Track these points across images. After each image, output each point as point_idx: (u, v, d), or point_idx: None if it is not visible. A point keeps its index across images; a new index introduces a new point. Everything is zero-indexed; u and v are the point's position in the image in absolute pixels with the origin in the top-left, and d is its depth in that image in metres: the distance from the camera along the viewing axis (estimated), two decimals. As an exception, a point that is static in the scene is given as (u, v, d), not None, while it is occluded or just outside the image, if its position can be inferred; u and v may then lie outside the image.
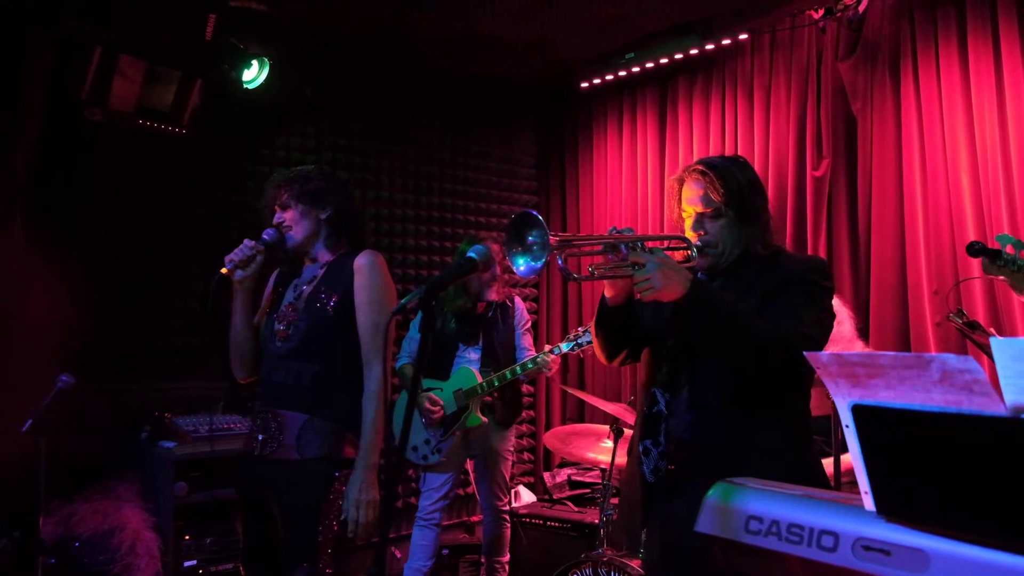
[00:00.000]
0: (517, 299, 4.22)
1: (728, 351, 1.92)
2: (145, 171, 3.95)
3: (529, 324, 4.21)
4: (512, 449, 4.19)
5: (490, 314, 4.04)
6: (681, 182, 2.11)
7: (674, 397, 2.04)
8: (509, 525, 4.15)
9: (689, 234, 2.08)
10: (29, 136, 3.39)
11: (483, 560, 4.17)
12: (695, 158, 4.67)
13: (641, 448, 2.08)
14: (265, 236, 2.54)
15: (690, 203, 2.08)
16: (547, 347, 3.88)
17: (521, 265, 1.80)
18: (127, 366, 3.86)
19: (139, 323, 3.97)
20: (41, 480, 2.76)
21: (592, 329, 2.17)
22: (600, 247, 1.93)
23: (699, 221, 2.06)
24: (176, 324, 4.10)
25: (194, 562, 3.51)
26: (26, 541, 2.89)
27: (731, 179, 2.04)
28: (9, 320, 3.32)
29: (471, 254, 1.65)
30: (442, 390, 3.93)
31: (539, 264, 1.77)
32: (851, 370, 1.30)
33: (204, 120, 3.99)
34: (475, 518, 4.80)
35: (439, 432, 3.91)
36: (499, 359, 3.99)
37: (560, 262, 1.83)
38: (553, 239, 1.74)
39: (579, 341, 3.74)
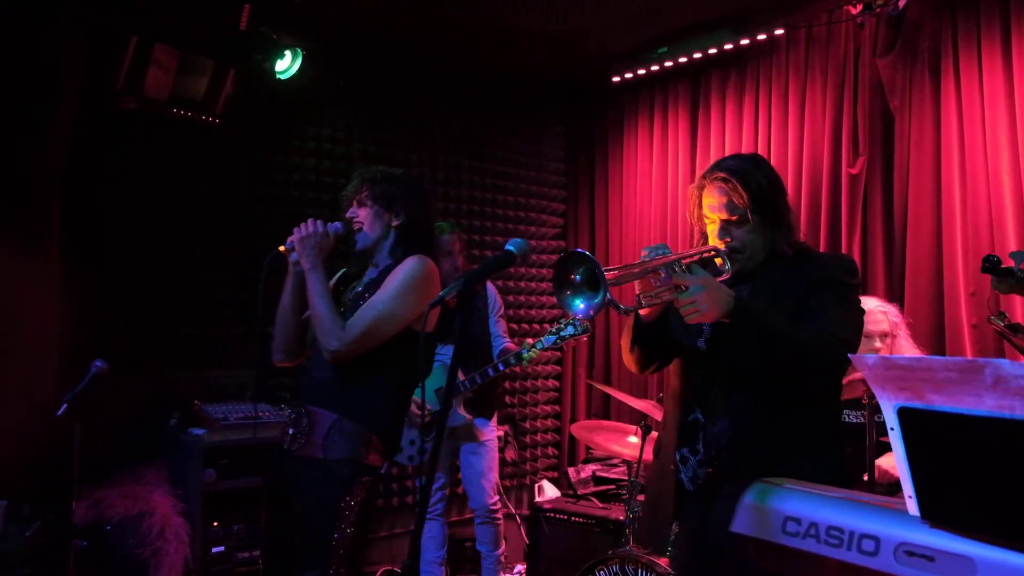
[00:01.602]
0: (490, 285, 4.15)
1: (771, 365, 1.91)
2: (177, 160, 3.97)
3: (503, 310, 4.15)
4: (497, 444, 4.14)
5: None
6: (701, 189, 2.09)
7: (710, 404, 2.03)
8: (502, 522, 4.11)
9: (714, 241, 2.06)
10: (66, 130, 3.42)
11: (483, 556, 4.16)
12: (727, 154, 4.64)
13: (678, 456, 2.07)
14: (330, 228, 2.50)
15: (714, 210, 2.05)
16: (529, 341, 3.83)
17: (580, 305, 1.74)
18: (157, 354, 3.89)
19: (170, 311, 3.99)
20: (75, 464, 2.79)
21: (624, 344, 2.15)
22: (640, 271, 1.89)
23: (725, 228, 2.04)
24: (207, 313, 4.12)
25: (222, 548, 3.54)
26: (59, 524, 2.93)
27: (753, 182, 2.01)
28: (43, 307, 3.36)
29: (509, 247, 1.64)
30: (424, 386, 3.88)
31: (597, 300, 1.71)
32: (899, 373, 1.28)
33: (236, 110, 4.01)
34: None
35: (424, 432, 3.89)
36: (476, 353, 3.94)
37: (609, 296, 1.80)
38: (609, 274, 1.70)
39: (561, 335, 3.67)
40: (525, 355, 3.74)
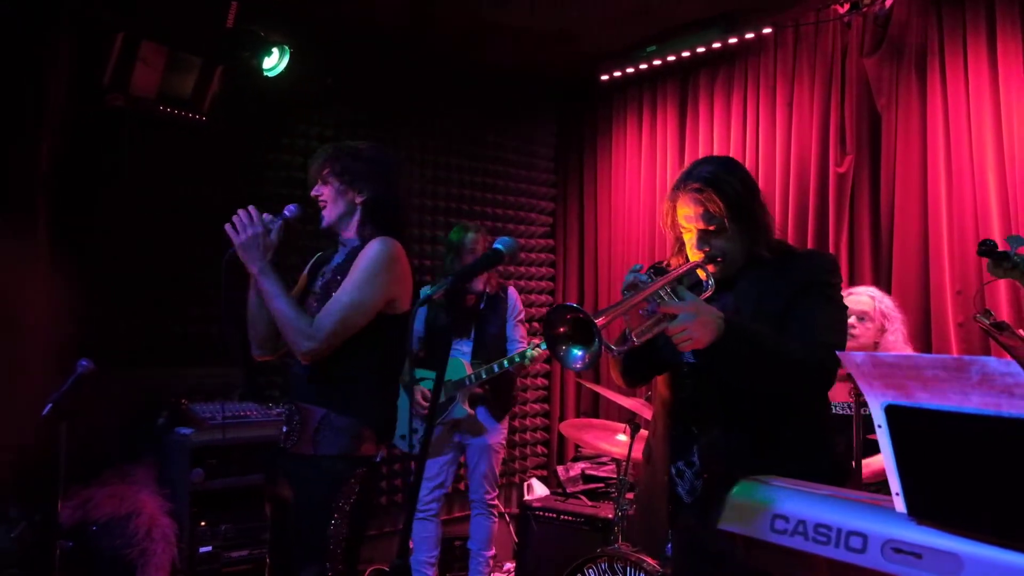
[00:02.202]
0: (511, 290, 4.21)
1: (763, 381, 1.91)
2: (165, 158, 3.95)
3: (523, 315, 4.20)
4: (504, 443, 4.21)
5: (481, 306, 4.04)
6: (675, 200, 2.05)
7: (702, 415, 2.02)
8: (496, 519, 4.17)
9: (692, 252, 2.04)
10: (54, 124, 3.40)
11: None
12: (715, 152, 4.66)
13: (674, 471, 2.06)
14: (286, 212, 2.43)
15: (690, 221, 2.02)
16: (535, 341, 3.89)
17: (577, 354, 1.72)
18: (144, 352, 3.87)
19: (157, 309, 3.97)
20: (61, 464, 2.77)
21: (614, 371, 2.15)
22: (627, 308, 1.85)
23: (703, 238, 2.01)
24: (194, 311, 4.10)
25: (209, 548, 3.52)
26: (45, 524, 2.91)
27: (728, 188, 1.98)
28: (30, 305, 3.34)
29: (498, 245, 1.63)
30: (411, 371, 3.92)
31: (594, 349, 1.69)
32: (886, 370, 1.28)
33: (224, 107, 3.99)
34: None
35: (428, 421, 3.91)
36: (490, 351, 3.99)
37: (604, 343, 1.75)
38: (599, 320, 1.68)
39: None
40: (529, 353, 3.78)
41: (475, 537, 4.12)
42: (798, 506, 1.49)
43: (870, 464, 2.82)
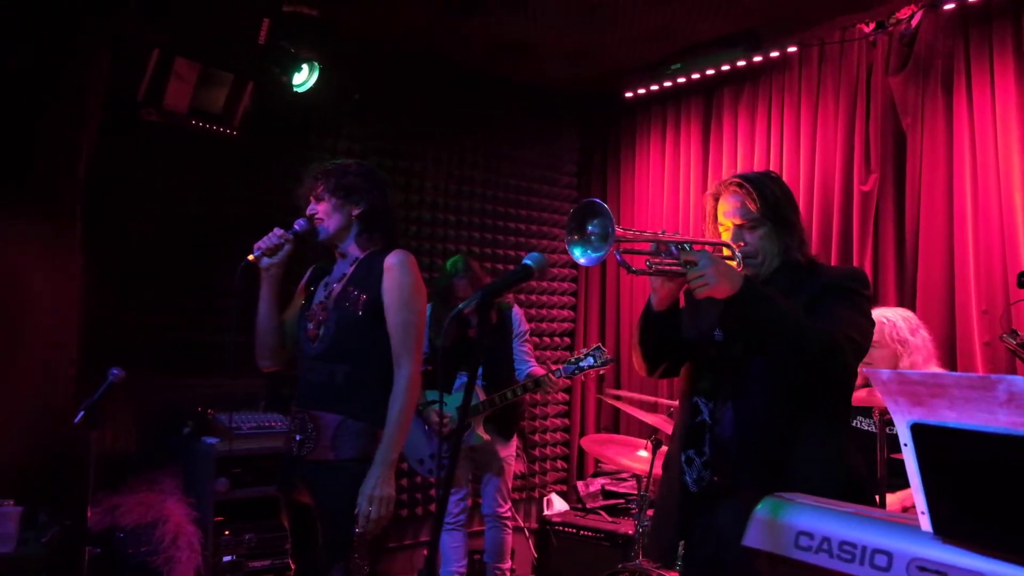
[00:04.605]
0: (516, 308, 4.22)
1: (777, 348, 1.92)
2: (195, 170, 4.03)
3: (527, 333, 4.20)
4: (514, 455, 4.22)
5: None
6: (716, 198, 2.14)
7: (717, 407, 2.04)
8: (511, 532, 4.17)
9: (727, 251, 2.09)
10: (90, 138, 3.48)
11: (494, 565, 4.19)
12: (739, 170, 4.67)
13: (684, 458, 2.08)
14: (296, 227, 2.56)
15: (727, 216, 2.10)
16: (552, 367, 3.91)
17: (580, 256, 1.81)
18: (171, 361, 3.92)
19: (183, 319, 4.03)
20: (91, 470, 2.81)
21: (634, 337, 2.17)
22: (651, 246, 1.94)
23: (738, 233, 2.08)
24: (219, 321, 4.15)
25: (233, 557, 3.55)
26: (75, 530, 2.95)
27: (766, 190, 2.07)
28: (62, 313, 3.40)
29: (527, 261, 1.64)
30: (446, 404, 3.97)
31: (600, 254, 1.79)
32: (912, 388, 1.29)
33: (254, 122, 4.05)
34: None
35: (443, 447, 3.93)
36: (498, 374, 4.00)
37: (618, 256, 1.84)
38: (619, 231, 1.75)
39: (580, 365, 3.74)
40: (544, 380, 3.81)
41: (489, 550, 4.14)
42: (823, 523, 1.49)
43: (893, 503, 2.76)
